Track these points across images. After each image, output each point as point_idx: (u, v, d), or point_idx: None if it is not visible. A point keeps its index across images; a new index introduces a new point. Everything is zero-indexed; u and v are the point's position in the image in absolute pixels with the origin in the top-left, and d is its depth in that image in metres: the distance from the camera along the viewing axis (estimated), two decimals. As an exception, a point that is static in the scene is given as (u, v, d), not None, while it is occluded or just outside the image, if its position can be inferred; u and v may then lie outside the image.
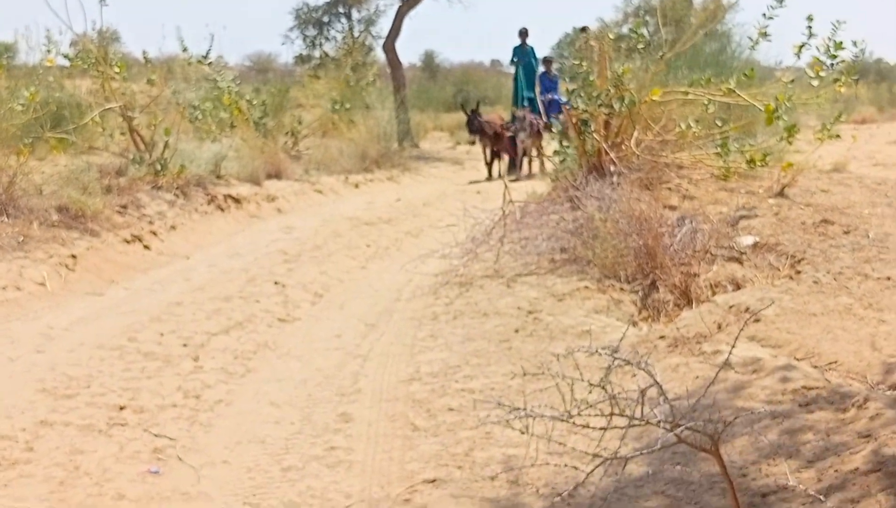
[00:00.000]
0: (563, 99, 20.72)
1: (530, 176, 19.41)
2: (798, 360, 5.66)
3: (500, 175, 19.43)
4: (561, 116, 19.04)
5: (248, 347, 7.27)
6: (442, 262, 9.33)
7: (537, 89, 20.64)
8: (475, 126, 19.75)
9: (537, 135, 19.87)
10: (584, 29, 20.42)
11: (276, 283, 9.26)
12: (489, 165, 20.05)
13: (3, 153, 10.32)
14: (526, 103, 21.07)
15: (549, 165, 19.29)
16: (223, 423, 5.72)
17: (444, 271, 9.03)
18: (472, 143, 21.18)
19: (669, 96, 10.54)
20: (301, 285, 9.32)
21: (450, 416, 5.50)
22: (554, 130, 18.46)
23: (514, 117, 19.92)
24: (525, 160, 20.19)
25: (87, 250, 9.95)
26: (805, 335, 6.13)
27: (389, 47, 25.28)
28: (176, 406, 5.93)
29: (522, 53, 22.43)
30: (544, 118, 20.13)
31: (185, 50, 16.47)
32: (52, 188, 10.88)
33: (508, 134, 19.77)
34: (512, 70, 23.27)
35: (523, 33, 22.53)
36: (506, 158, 20.36)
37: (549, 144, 19.56)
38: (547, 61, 22.29)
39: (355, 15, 27.71)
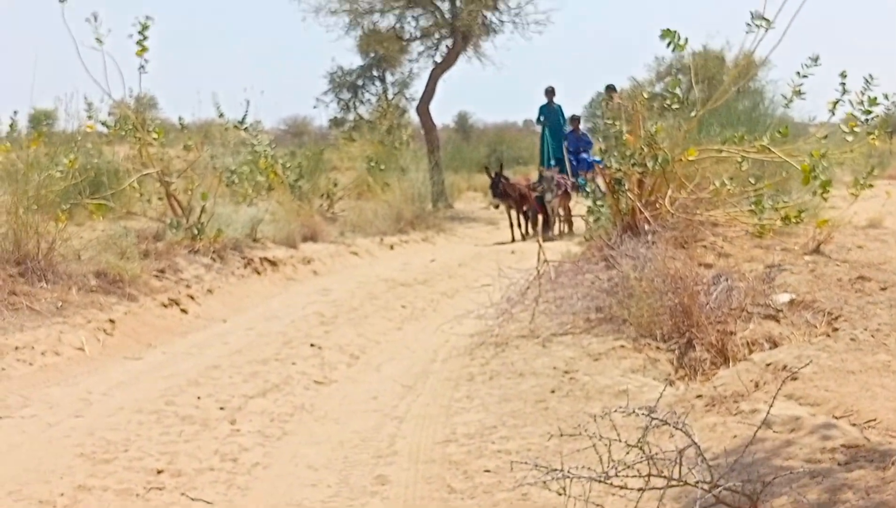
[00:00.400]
0: (592, 157, 21.15)
1: (560, 236, 19.08)
2: (837, 418, 5.61)
3: (528, 234, 19.73)
4: (589, 175, 19.80)
5: (285, 409, 7.28)
6: (478, 322, 9.33)
7: (565, 148, 21.58)
8: (499, 190, 19.53)
9: (565, 195, 19.75)
10: (610, 87, 20.61)
11: (312, 345, 9.29)
12: (517, 226, 19.83)
13: (43, 219, 10.43)
14: (553, 163, 21.03)
15: (578, 225, 19.39)
16: (260, 486, 5.72)
17: (480, 332, 9.02)
18: (497, 206, 20.70)
19: (703, 154, 10.55)
20: (338, 347, 9.34)
21: (486, 478, 5.49)
22: (583, 190, 18.34)
23: (541, 177, 19.76)
24: (555, 220, 19.91)
25: (125, 315, 10.03)
26: (843, 392, 6.08)
27: (423, 109, 25.45)
28: (213, 470, 5.93)
29: (549, 112, 22.33)
30: (572, 178, 20.53)
31: (221, 115, 16.68)
32: (90, 254, 10.98)
33: (535, 194, 19.56)
34: (539, 129, 23.30)
35: (550, 92, 22.48)
36: (533, 218, 20.08)
37: (577, 204, 19.81)
38: (574, 120, 22.40)
39: (389, 78, 27.93)
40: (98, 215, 12.22)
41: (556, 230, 19.75)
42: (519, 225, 19.86)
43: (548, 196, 19.16)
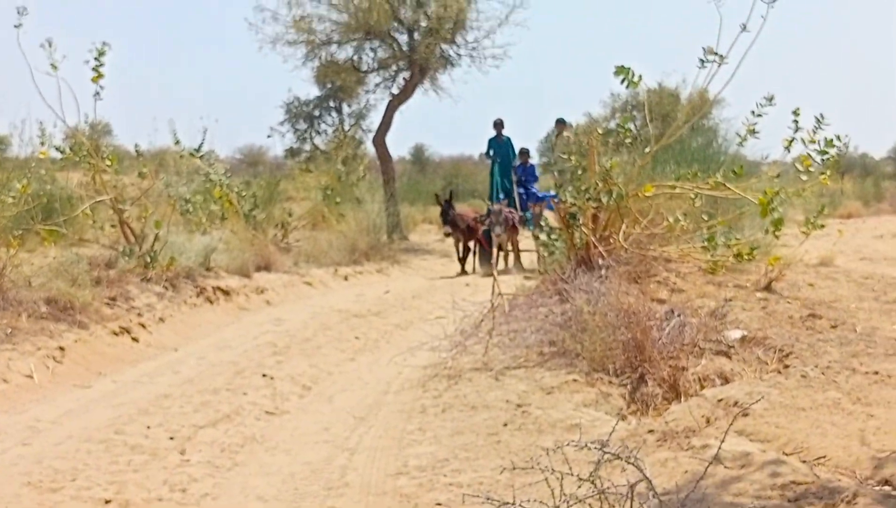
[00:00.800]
0: (541, 192, 21.56)
1: (506, 271, 18.71)
2: (787, 455, 5.65)
3: (473, 270, 19.88)
4: (537, 208, 19.91)
5: (235, 440, 7.22)
6: (431, 354, 9.32)
7: (514, 181, 21.17)
8: (449, 217, 19.62)
9: (513, 229, 19.57)
10: (560, 121, 20.67)
11: (264, 376, 9.24)
12: (462, 259, 20.02)
13: (-7, 245, 10.34)
14: (502, 196, 20.74)
15: (525, 260, 19.92)
16: (209, 518, 5.68)
17: (433, 364, 9.02)
18: (448, 234, 20.37)
19: (657, 190, 10.63)
20: (290, 377, 9.30)
21: (438, 511, 5.47)
22: (529, 223, 19.86)
23: (489, 211, 19.38)
24: (501, 255, 19.62)
25: (75, 343, 9.93)
26: (794, 429, 6.13)
27: (379, 141, 25.51)
28: (162, 500, 5.87)
29: (498, 145, 21.98)
30: (520, 211, 20.30)
31: (177, 143, 16.64)
32: (41, 280, 10.88)
33: (483, 228, 19.55)
34: (489, 162, 22.78)
35: (499, 124, 22.13)
36: (479, 251, 20.17)
37: (525, 239, 20.59)
38: (523, 153, 21.96)
39: (346, 109, 27.96)
40: (50, 242, 12.10)
41: (501, 264, 19.39)
42: (463, 258, 20.07)
43: (497, 229, 18.91)
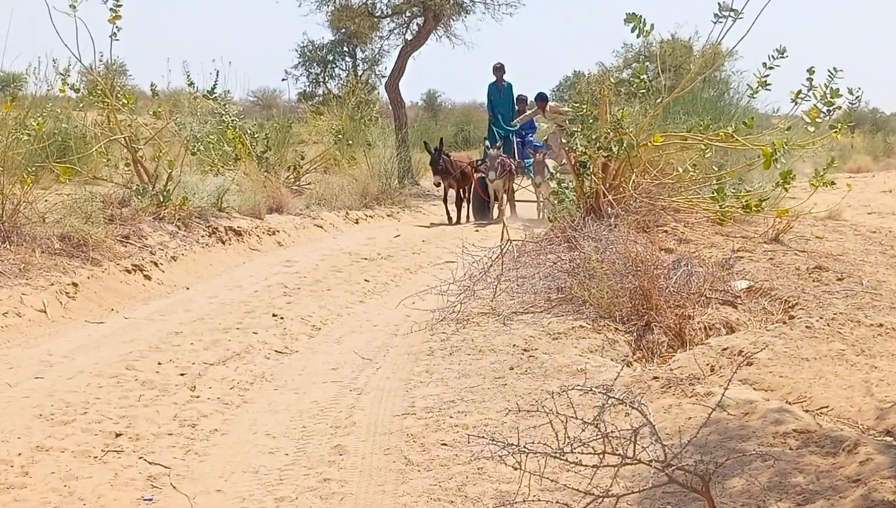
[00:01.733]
0: (537, 142, 20.65)
1: (500, 219, 16.74)
2: (790, 404, 5.71)
3: (467, 219, 19.11)
4: (539, 156, 18.78)
5: (245, 378, 7.32)
6: (439, 299, 9.37)
7: (515, 124, 20.38)
8: (440, 166, 18.19)
9: (509, 176, 18.78)
10: (541, 96, 20.26)
11: (274, 316, 9.31)
12: (457, 207, 19.13)
13: (9, 181, 10.39)
14: (499, 142, 19.41)
15: (523, 210, 19.49)
16: (218, 452, 5.76)
17: (442, 308, 9.06)
18: (438, 184, 18.87)
19: (668, 141, 10.64)
20: (299, 318, 9.37)
21: (443, 451, 5.54)
22: (529, 171, 19.12)
23: (485, 156, 18.62)
24: (496, 204, 18.98)
25: (88, 279, 10.01)
26: (797, 379, 6.19)
27: (392, 86, 25.41)
28: (171, 435, 5.97)
29: (498, 92, 21.13)
30: (517, 158, 19.63)
31: (191, 84, 16.62)
32: (55, 217, 10.94)
33: (479, 175, 18.82)
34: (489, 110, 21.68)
35: (499, 69, 21.04)
36: (474, 199, 19.37)
37: (522, 189, 20.28)
38: (521, 101, 21.09)
39: (359, 54, 27.91)
40: (64, 179, 12.15)
41: (495, 213, 18.78)
42: (458, 207, 19.20)
43: (491, 175, 18.09)
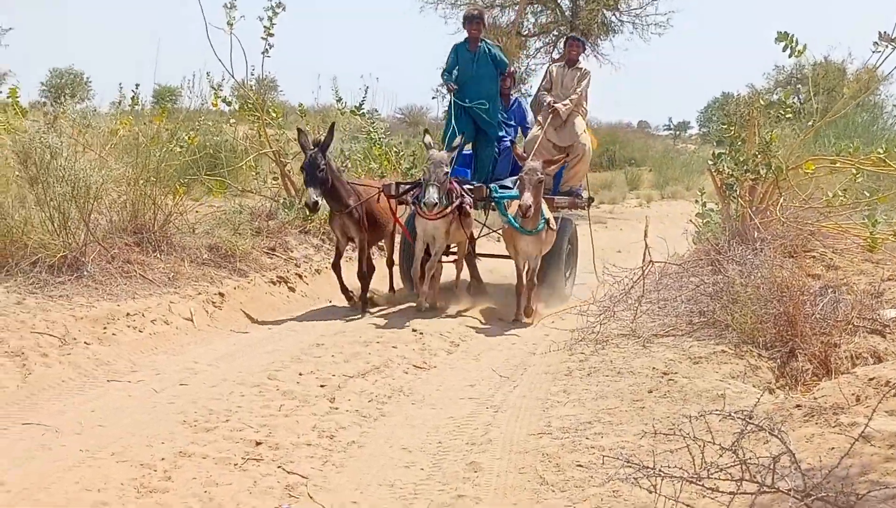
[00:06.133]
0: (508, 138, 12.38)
1: (439, 307, 10.88)
2: (938, 438, 5.52)
3: (391, 290, 11.85)
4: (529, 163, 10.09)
5: (383, 391, 7.38)
6: (578, 318, 9.33)
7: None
8: (316, 177, 9.99)
9: (461, 215, 10.72)
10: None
11: (414, 331, 9.38)
12: (359, 276, 10.86)
13: (161, 192, 10.68)
14: (459, 139, 10.57)
15: (488, 270, 12.90)
16: (355, 464, 5.81)
17: (581, 328, 9.03)
18: (314, 208, 10.04)
19: (817, 164, 10.42)
20: (439, 333, 9.43)
21: (578, 472, 5.50)
22: (501, 208, 10.88)
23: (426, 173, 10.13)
24: (435, 261, 10.74)
25: (234, 289, 10.24)
26: (947, 412, 5.98)
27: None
28: (310, 445, 6.05)
29: (471, 58, 11.87)
30: (470, 192, 10.95)
31: (339, 100, 16.86)
32: (204, 228, 11.23)
33: (410, 201, 10.84)
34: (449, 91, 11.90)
35: (474, 20, 11.96)
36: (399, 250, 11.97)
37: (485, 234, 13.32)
38: (508, 75, 12.80)
39: (508, 74, 27.96)
40: (216, 192, 12.46)
41: (426, 287, 10.73)
42: (362, 275, 10.81)
43: (428, 195, 9.93)
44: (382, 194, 10.84)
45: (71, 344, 7.83)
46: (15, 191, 9.75)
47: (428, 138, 10.54)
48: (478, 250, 12.52)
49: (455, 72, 11.77)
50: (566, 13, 25.94)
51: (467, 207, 10.72)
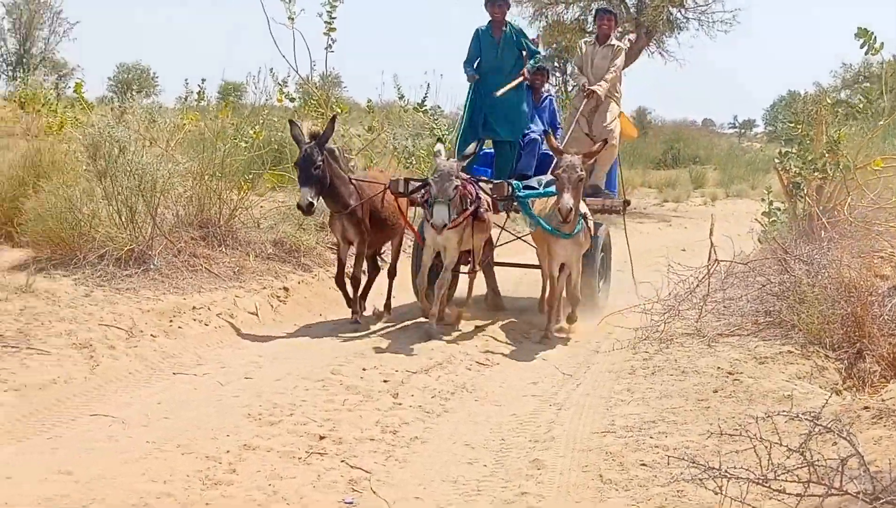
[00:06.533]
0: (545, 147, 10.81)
1: (454, 320, 9.79)
2: None
3: (387, 309, 10.14)
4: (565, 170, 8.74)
5: (446, 387, 7.40)
6: (642, 317, 9.28)
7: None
8: (312, 176, 9.00)
9: (478, 221, 9.54)
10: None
11: (477, 327, 9.38)
12: (353, 283, 9.75)
13: (226, 187, 10.77)
14: (474, 144, 9.54)
15: (508, 280, 11.84)
16: (418, 460, 5.83)
17: (645, 327, 8.98)
18: (309, 209, 9.09)
19: (886, 163, 10.28)
20: (502, 330, 9.42)
21: (642, 471, 5.47)
22: (524, 208, 9.80)
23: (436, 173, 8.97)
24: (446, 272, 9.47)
25: (298, 284, 10.31)
26: None
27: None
28: (373, 440, 6.07)
29: (493, 45, 10.67)
30: (509, 184, 9.85)
31: (401, 97, 16.89)
32: (269, 223, 11.30)
33: (422, 202, 9.64)
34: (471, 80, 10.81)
35: (496, 0, 10.61)
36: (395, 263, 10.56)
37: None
38: (540, 71, 11.52)
39: (569, 69, 27.92)
40: (281, 187, 12.53)
41: (434, 309, 9.34)
42: (359, 282, 9.84)
43: (436, 214, 8.78)
44: (388, 191, 9.69)
45: (138, 337, 7.93)
46: (83, 185, 9.88)
47: (439, 146, 9.58)
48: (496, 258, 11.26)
49: (478, 59, 10.65)
50: (631, 10, 25.80)
51: (483, 212, 9.55)
